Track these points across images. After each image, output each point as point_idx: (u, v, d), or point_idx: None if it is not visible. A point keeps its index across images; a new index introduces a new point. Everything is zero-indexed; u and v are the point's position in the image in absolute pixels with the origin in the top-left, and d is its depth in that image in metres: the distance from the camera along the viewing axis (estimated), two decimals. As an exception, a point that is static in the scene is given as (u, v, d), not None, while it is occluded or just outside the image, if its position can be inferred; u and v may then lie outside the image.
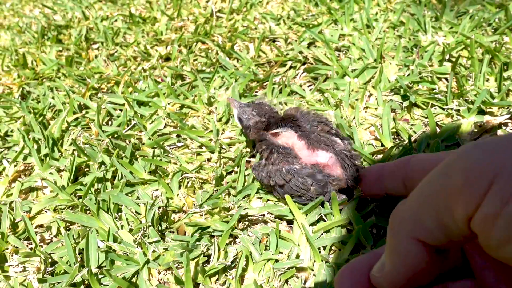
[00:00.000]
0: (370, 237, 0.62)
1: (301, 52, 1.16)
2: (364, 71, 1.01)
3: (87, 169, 0.90)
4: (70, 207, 0.80)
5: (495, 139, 0.26)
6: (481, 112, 0.81)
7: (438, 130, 0.79)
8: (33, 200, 0.85)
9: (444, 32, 1.08)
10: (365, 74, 1.00)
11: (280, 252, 0.63)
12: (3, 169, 0.91)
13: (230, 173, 0.82)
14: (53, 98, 1.13)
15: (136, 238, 0.68)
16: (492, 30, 1.06)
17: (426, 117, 0.83)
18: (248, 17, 1.45)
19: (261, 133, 0.75)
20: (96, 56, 1.35)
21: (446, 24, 1.10)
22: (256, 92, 1.09)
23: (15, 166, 0.91)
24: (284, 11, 1.46)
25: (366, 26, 1.18)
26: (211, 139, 0.90)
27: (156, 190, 0.82)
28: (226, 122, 0.95)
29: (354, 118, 0.88)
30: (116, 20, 1.59)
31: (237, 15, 1.51)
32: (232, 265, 0.62)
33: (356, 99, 0.93)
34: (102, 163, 0.89)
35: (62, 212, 0.77)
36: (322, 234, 0.65)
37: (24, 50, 1.44)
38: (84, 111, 1.09)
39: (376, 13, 1.26)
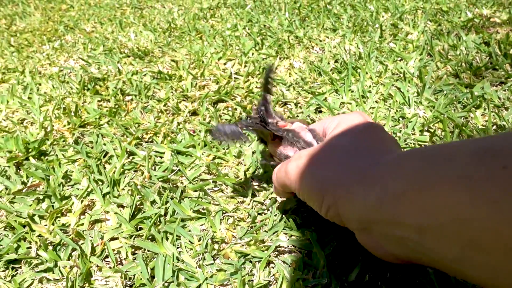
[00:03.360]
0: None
1: (309, 116, 1.42)
2: (361, 135, 1.27)
3: (141, 205, 1.12)
4: (134, 237, 1.01)
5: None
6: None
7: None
8: (99, 229, 1.07)
9: (423, 106, 1.36)
10: (362, 138, 1.26)
11: (306, 273, 0.86)
12: (72, 204, 1.13)
13: (260, 213, 1.05)
14: (104, 144, 1.36)
15: (195, 261, 0.90)
16: (461, 107, 1.35)
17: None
18: (262, 80, 1.73)
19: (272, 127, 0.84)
20: (134, 108, 1.60)
21: (426, 100, 1.39)
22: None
23: (81, 202, 1.13)
24: (291, 77, 1.75)
25: (362, 97, 1.46)
26: (242, 186, 1.14)
27: (202, 225, 1.04)
28: (254, 172, 1.20)
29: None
30: (145, 75, 1.85)
31: (252, 77, 1.78)
32: (272, 282, 0.85)
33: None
34: (153, 201, 1.12)
35: (131, 239, 0.98)
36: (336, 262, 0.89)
37: (69, 100, 1.68)
38: (131, 157, 1.32)
39: (370, 86, 1.54)
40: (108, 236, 1.01)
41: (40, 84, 1.86)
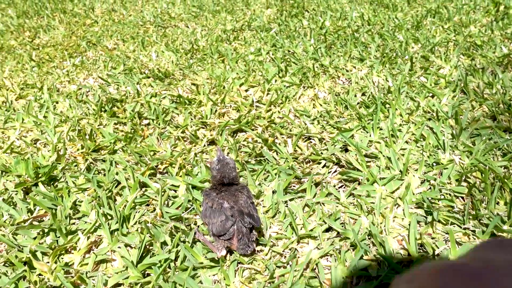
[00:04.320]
0: None
1: (334, 154, 1.33)
2: (391, 181, 1.18)
3: (151, 247, 1.04)
4: (140, 285, 0.93)
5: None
6: (493, 235, 0.96)
7: (457, 247, 0.94)
8: (103, 271, 0.99)
9: (460, 151, 1.26)
10: (392, 184, 1.17)
11: None
12: (78, 240, 1.05)
13: (279, 267, 0.96)
14: (117, 174, 1.29)
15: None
16: (501, 154, 1.24)
17: (447, 233, 0.99)
18: (284, 110, 1.66)
19: (213, 186, 1.07)
20: (150, 134, 1.53)
21: (462, 145, 1.29)
22: (294, 185, 1.25)
23: (87, 238, 1.06)
24: (315, 108, 1.67)
25: (391, 135, 1.37)
26: (261, 233, 1.05)
27: (215, 275, 0.95)
28: (274, 216, 1.11)
29: (385, 226, 1.03)
30: (164, 98, 1.80)
31: (274, 107, 1.71)
32: None
33: (385, 208, 1.09)
34: (164, 243, 1.04)
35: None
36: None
37: (85, 121, 1.63)
38: (144, 189, 1.25)
39: (400, 124, 1.45)
40: (113, 281, 0.94)
41: (57, 103, 1.82)
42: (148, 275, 0.96)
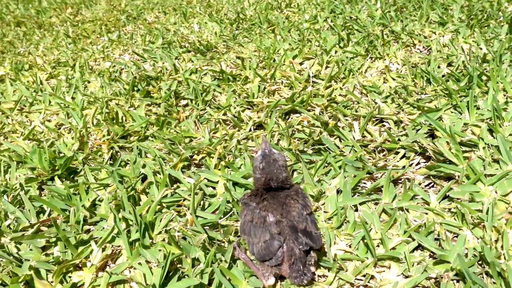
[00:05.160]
0: None
1: (416, 141, 1.02)
2: (502, 179, 0.85)
3: (179, 264, 0.80)
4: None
5: None
6: None
7: None
8: (119, 295, 0.76)
9: None
10: (505, 184, 0.85)
11: None
12: (91, 252, 0.84)
13: (350, 303, 0.69)
14: (144, 166, 1.06)
15: None
16: None
17: None
18: (347, 86, 1.35)
19: (256, 190, 0.79)
20: (186, 117, 1.29)
21: None
22: (364, 183, 0.96)
23: (103, 250, 0.84)
24: (387, 84, 1.34)
25: (496, 117, 1.03)
26: (323, 250, 0.77)
27: (261, 310, 0.70)
28: (339, 227, 0.83)
29: (503, 247, 0.72)
30: (205, 74, 1.55)
31: (335, 82, 1.41)
32: None
33: (499, 219, 0.78)
34: (196, 259, 0.79)
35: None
36: None
37: (114, 102, 1.42)
38: (175, 185, 1.01)
39: (506, 102, 1.10)
40: (127, 315, 0.71)
41: (88, 82, 1.63)
42: (173, 307, 0.73)
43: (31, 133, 1.28)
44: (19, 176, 1.08)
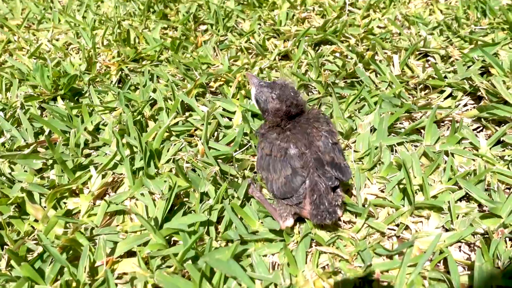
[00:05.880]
0: None
1: (467, 79, 0.88)
2: None
3: (185, 198, 0.71)
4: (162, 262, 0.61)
5: None
6: None
7: None
8: (118, 226, 0.68)
9: None
10: None
11: None
12: (89, 178, 0.75)
13: (380, 255, 0.59)
14: (154, 91, 0.95)
15: None
16: None
17: None
18: (388, 16, 1.18)
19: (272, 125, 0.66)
20: (205, 42, 1.16)
21: None
22: (403, 123, 0.84)
23: (103, 177, 0.75)
24: (434, 15, 1.17)
25: None
26: (351, 194, 0.67)
27: (274, 255, 0.61)
28: (372, 169, 0.72)
29: None
30: (228, -1, 1.39)
31: (373, 12, 1.24)
32: None
33: None
34: (205, 194, 0.70)
35: (154, 270, 0.58)
36: None
37: (127, 23, 1.29)
38: (187, 113, 0.91)
39: None
40: (123, 247, 0.63)
41: (102, 1, 1.50)
42: (174, 244, 0.64)
43: (37, 51, 1.17)
44: (20, 94, 0.99)
